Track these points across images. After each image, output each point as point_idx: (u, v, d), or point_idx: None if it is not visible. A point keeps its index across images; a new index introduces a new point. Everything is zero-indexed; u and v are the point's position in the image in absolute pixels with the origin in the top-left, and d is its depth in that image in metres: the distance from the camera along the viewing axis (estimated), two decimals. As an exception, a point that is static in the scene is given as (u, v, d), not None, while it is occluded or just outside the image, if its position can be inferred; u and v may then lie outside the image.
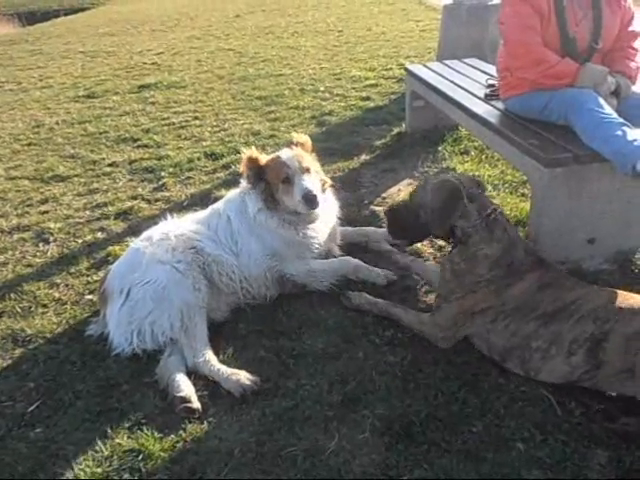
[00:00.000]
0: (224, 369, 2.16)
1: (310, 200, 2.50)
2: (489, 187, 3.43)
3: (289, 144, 2.75)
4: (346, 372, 2.15)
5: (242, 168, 2.64)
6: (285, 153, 2.62)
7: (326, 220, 2.76)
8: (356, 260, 2.73)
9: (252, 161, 2.60)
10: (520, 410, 1.94)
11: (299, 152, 2.65)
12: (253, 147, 2.70)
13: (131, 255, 2.49)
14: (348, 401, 2.03)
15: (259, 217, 2.60)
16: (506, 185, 3.48)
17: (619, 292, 2.01)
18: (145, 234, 2.61)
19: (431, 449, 1.82)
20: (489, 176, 3.57)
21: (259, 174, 2.59)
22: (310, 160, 2.66)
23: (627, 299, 1.97)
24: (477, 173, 3.61)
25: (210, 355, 2.23)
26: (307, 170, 2.57)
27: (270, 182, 2.59)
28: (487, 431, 1.87)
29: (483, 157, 3.89)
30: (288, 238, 2.62)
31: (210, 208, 2.80)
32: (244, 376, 2.11)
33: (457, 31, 5.47)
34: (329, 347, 2.30)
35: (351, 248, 2.92)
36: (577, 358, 1.92)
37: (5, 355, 2.44)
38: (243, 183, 2.71)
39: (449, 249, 2.32)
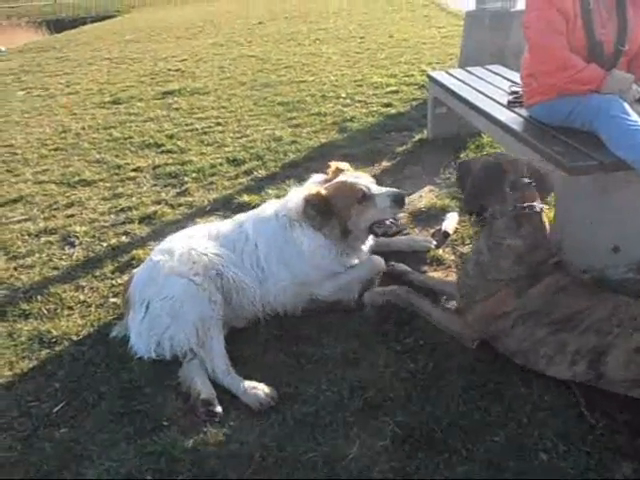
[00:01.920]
0: (242, 383, 2.16)
1: (400, 200, 2.47)
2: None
3: (334, 172, 2.67)
4: (366, 379, 2.15)
5: (305, 210, 2.47)
6: (345, 176, 2.56)
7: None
8: (378, 261, 2.70)
9: (315, 197, 2.46)
10: (543, 420, 1.92)
11: (355, 172, 2.65)
12: (313, 186, 2.57)
13: (152, 267, 2.47)
14: (369, 408, 2.03)
15: (317, 255, 2.52)
16: (529, 192, 3.44)
17: (629, 300, 2.00)
18: (167, 244, 2.59)
19: (452, 457, 1.81)
20: (512, 183, 3.54)
21: (325, 211, 2.46)
22: (365, 174, 2.68)
23: (636, 309, 1.95)
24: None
25: (228, 367, 2.23)
26: (373, 182, 2.57)
27: (340, 211, 2.47)
28: (509, 440, 1.85)
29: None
30: (327, 268, 2.56)
31: (237, 224, 2.68)
32: (262, 390, 2.10)
33: (479, 37, 5.45)
34: (349, 353, 2.30)
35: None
36: (579, 368, 1.93)
37: (32, 356, 2.49)
38: (280, 209, 2.61)
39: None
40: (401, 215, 3.33)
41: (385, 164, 4.25)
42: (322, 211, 2.47)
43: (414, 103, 5.58)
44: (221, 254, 2.53)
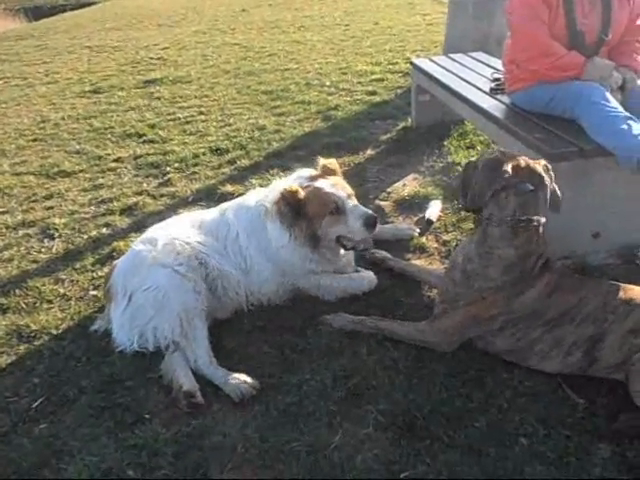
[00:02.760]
0: (223, 373, 2.15)
1: (372, 224, 2.39)
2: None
3: (325, 170, 2.60)
4: (350, 367, 2.15)
5: (278, 205, 2.43)
6: (324, 183, 2.47)
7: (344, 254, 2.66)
8: (369, 279, 2.61)
9: (290, 194, 2.40)
10: (524, 405, 1.93)
11: (337, 180, 2.54)
12: (295, 182, 2.51)
13: (134, 257, 2.45)
14: (352, 396, 2.03)
15: (282, 252, 2.49)
16: (512, 179, 3.45)
17: (618, 286, 2.02)
18: (150, 233, 2.57)
19: (434, 444, 1.82)
20: (495, 170, 3.54)
21: (297, 211, 2.42)
22: (347, 185, 2.56)
23: (625, 293, 1.98)
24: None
25: (211, 358, 2.22)
26: (351, 196, 2.50)
27: (312, 217, 2.41)
28: (490, 426, 1.86)
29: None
30: (302, 267, 2.54)
31: (219, 212, 2.66)
32: (243, 380, 2.09)
33: (463, 25, 5.42)
34: (333, 343, 2.29)
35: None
36: (573, 358, 1.95)
37: (10, 351, 2.44)
38: (261, 198, 2.58)
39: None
40: (383, 203, 3.35)
41: (369, 152, 4.23)
42: (294, 211, 2.41)
43: (399, 91, 5.56)
44: (204, 242, 2.51)
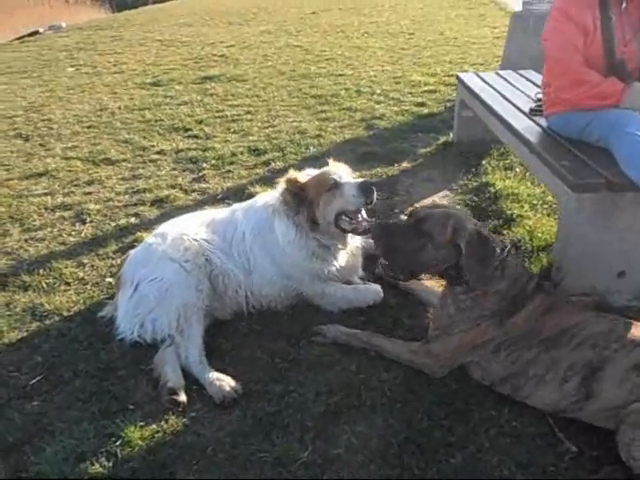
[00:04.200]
0: (210, 373, 2.16)
1: (367, 189, 2.37)
2: (526, 206, 3.28)
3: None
4: (335, 383, 2.11)
5: (282, 193, 2.49)
6: (327, 167, 2.55)
7: (351, 251, 2.64)
8: (375, 292, 2.57)
9: (292, 182, 2.47)
10: (506, 446, 1.83)
11: (340, 165, 2.59)
12: (291, 170, 2.59)
13: (146, 249, 2.52)
14: (330, 413, 1.99)
15: (289, 249, 2.50)
16: (545, 206, 3.30)
17: (624, 320, 1.91)
18: (162, 228, 2.64)
19: (403, 474, 1.76)
20: (528, 195, 3.40)
21: (300, 197, 2.46)
22: (351, 171, 2.60)
23: (633, 328, 1.85)
24: (516, 190, 3.45)
25: (201, 357, 2.24)
26: (350, 175, 2.53)
27: (311, 200, 2.44)
28: (466, 463, 1.78)
29: (527, 174, 3.70)
30: (307, 268, 2.53)
31: (230, 212, 2.72)
32: (227, 383, 2.10)
33: (523, 40, 5.24)
34: (324, 356, 2.26)
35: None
36: (570, 385, 1.83)
37: (22, 327, 2.57)
38: (269, 199, 2.62)
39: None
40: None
41: (405, 165, 4.15)
42: (296, 197, 2.45)
43: (448, 104, 5.42)
44: (210, 240, 2.56)
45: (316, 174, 2.52)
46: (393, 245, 2.09)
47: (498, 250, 2.00)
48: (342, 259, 2.59)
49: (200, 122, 5.32)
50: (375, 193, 2.39)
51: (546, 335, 1.94)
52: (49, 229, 3.45)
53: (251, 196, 3.62)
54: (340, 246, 2.56)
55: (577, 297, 2.45)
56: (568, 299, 2.12)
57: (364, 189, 2.38)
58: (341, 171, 2.51)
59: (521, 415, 1.93)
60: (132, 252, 2.63)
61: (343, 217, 2.46)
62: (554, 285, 2.49)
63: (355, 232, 2.51)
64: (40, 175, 4.25)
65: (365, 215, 2.52)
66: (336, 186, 2.42)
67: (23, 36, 12.18)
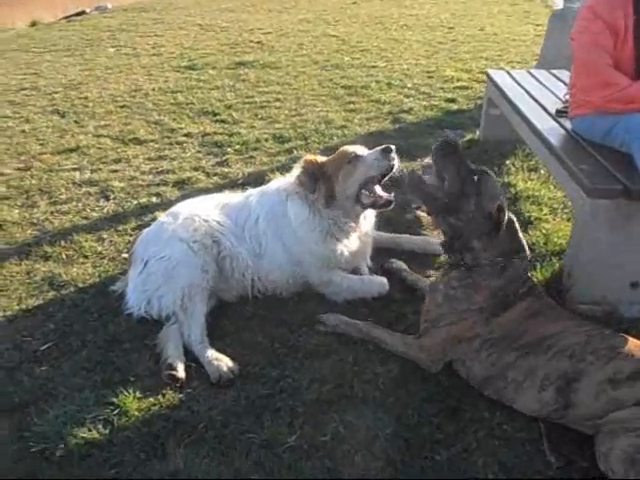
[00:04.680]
0: (209, 353, 2.21)
1: (388, 150, 2.43)
2: (545, 209, 3.22)
3: None
4: (329, 373, 2.13)
5: (297, 177, 2.55)
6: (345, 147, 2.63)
7: (361, 235, 2.66)
8: (380, 284, 2.58)
9: (309, 162, 2.52)
10: (494, 449, 1.82)
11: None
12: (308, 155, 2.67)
13: (157, 228, 2.58)
14: (321, 402, 2.01)
15: (301, 230, 2.53)
16: (566, 210, 3.23)
17: (604, 331, 1.89)
18: (176, 208, 2.69)
19: (386, 469, 1.76)
20: (549, 198, 3.34)
21: (315, 176, 2.51)
22: None
23: (615, 340, 1.83)
24: (538, 193, 3.39)
25: (203, 336, 2.29)
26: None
27: (330, 176, 2.48)
28: (450, 462, 1.78)
29: (551, 177, 3.61)
30: (318, 252, 2.55)
31: (244, 196, 2.76)
32: (225, 363, 2.15)
33: (561, 39, 5.05)
34: (323, 345, 2.28)
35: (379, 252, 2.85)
36: (547, 395, 1.82)
37: (40, 295, 2.67)
38: (282, 183, 2.66)
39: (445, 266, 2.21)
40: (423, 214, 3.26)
41: (427, 161, 4.10)
42: (313, 176, 2.50)
43: (479, 102, 5.32)
44: (223, 222, 2.60)
45: (334, 153, 2.59)
46: (447, 169, 2.10)
47: (515, 248, 2.02)
48: (353, 243, 2.61)
49: (229, 107, 5.37)
50: (396, 158, 2.45)
51: (526, 340, 1.93)
52: (74, 203, 3.56)
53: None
54: (353, 225, 2.57)
55: (588, 306, 2.42)
56: (555, 305, 2.07)
57: (386, 151, 2.43)
58: (359, 148, 2.56)
59: (513, 419, 1.91)
60: (145, 230, 2.70)
61: (363, 191, 2.49)
62: (564, 291, 2.46)
63: (375, 206, 2.54)
64: (71, 151, 4.38)
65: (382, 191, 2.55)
66: (357, 158, 2.47)
67: (70, 15, 12.46)
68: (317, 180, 2.50)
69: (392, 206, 2.55)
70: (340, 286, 2.56)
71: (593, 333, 1.87)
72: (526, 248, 2.12)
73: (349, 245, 2.58)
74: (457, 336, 2.03)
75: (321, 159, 2.57)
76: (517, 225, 2.12)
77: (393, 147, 2.47)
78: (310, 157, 2.56)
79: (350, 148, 2.58)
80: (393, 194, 2.56)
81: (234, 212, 2.66)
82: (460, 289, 2.05)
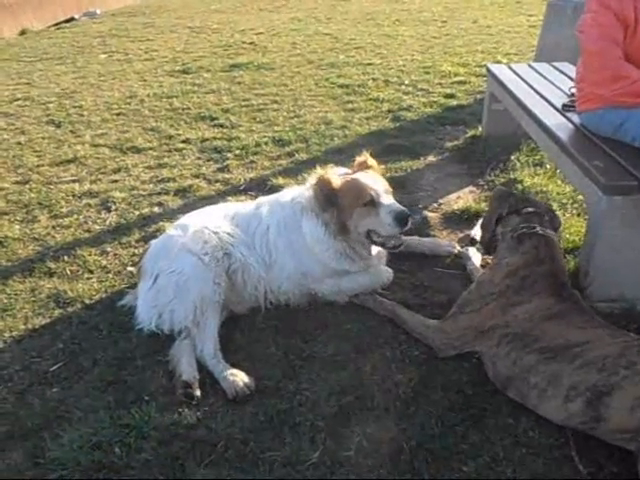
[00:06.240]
0: (224, 367, 2.17)
1: (404, 221, 2.33)
2: (555, 205, 3.17)
3: (361, 165, 2.58)
4: (348, 384, 2.09)
5: (313, 189, 2.46)
6: (362, 175, 2.46)
7: (376, 253, 2.62)
8: (386, 273, 2.60)
9: (324, 183, 2.42)
10: (521, 457, 1.78)
11: (375, 174, 2.52)
12: (329, 166, 2.57)
13: (166, 241, 2.53)
14: (342, 414, 1.97)
15: (316, 248, 2.49)
16: (575, 205, 3.20)
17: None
18: (184, 220, 2.64)
19: (413, 481, 1.73)
20: (558, 194, 3.30)
21: (331, 200, 2.42)
22: (384, 180, 2.53)
23: None
24: (545, 188, 3.35)
25: (216, 350, 2.25)
26: (387, 192, 2.45)
27: (343, 207, 2.40)
28: (478, 473, 1.74)
29: (558, 171, 3.58)
30: (331, 268, 2.52)
31: (255, 206, 2.70)
32: (240, 379, 2.10)
33: (559, 31, 5.04)
34: (339, 355, 2.24)
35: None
36: (574, 406, 1.76)
37: (46, 314, 2.62)
38: (297, 195, 2.59)
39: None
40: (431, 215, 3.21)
41: (431, 159, 4.08)
42: (328, 198, 2.41)
43: (479, 96, 5.30)
44: (233, 233, 2.55)
45: (350, 181, 2.44)
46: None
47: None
48: (367, 261, 2.58)
49: (226, 111, 5.32)
50: (410, 222, 2.36)
51: (547, 344, 1.89)
52: (75, 216, 3.50)
53: (273, 187, 3.65)
54: (365, 252, 2.54)
55: (606, 304, 2.38)
56: (584, 311, 2.02)
57: (400, 220, 2.33)
58: (377, 184, 2.42)
59: (539, 425, 1.87)
60: (153, 243, 2.64)
61: (373, 233, 2.45)
62: (582, 289, 2.41)
63: (384, 247, 2.51)
64: (69, 162, 4.32)
65: None
66: (372, 204, 2.37)
67: (60, 22, 12.35)
68: (332, 205, 2.42)
69: (402, 248, 2.51)
70: (351, 290, 2.55)
71: (629, 345, 1.80)
72: (542, 228, 2.16)
73: (363, 265, 2.57)
74: (478, 326, 2.07)
75: (336, 181, 2.43)
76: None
77: (409, 215, 2.36)
78: (326, 176, 2.43)
79: (367, 185, 2.39)
80: (402, 237, 2.49)
81: (245, 222, 2.61)
82: (487, 272, 2.18)
